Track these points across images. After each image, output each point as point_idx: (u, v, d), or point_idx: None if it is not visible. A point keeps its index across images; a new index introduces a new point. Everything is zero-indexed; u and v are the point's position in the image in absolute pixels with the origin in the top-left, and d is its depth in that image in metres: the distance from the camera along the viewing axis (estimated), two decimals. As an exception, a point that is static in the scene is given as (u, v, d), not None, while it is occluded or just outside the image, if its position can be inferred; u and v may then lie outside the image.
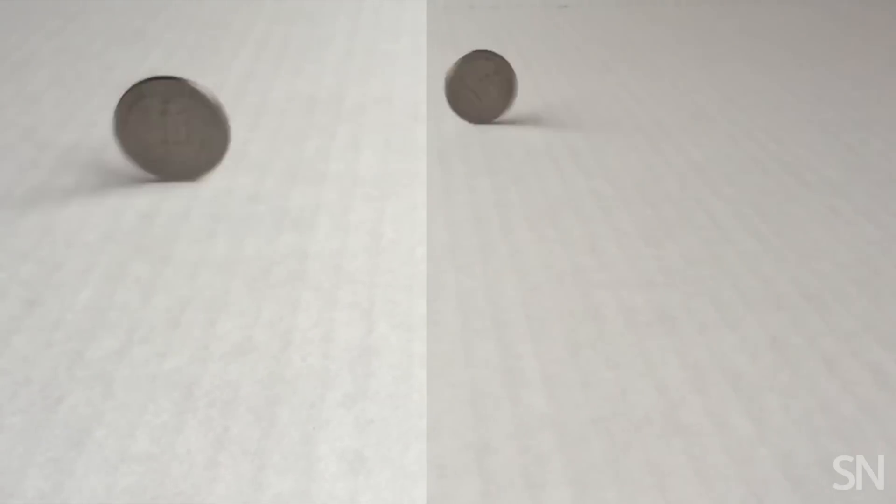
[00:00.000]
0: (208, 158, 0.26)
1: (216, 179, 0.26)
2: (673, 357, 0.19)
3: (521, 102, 0.32)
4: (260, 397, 0.18)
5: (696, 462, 0.16)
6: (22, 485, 0.16)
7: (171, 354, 0.19)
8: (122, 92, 0.25)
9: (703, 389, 0.18)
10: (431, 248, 0.23)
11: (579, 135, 0.30)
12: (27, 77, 0.33)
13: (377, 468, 0.16)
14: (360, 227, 0.24)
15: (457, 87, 0.30)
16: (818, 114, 0.32)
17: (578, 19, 0.44)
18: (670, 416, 0.17)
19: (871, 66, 0.37)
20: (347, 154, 0.28)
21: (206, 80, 0.33)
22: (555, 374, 0.18)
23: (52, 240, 0.23)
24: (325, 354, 0.19)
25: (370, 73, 0.34)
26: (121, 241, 0.23)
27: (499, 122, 0.31)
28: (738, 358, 0.19)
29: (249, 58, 0.35)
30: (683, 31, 0.43)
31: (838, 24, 0.44)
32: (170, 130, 0.25)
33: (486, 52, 0.30)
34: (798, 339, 0.20)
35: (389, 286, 0.21)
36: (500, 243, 0.23)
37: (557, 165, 0.28)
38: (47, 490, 0.16)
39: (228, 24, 0.39)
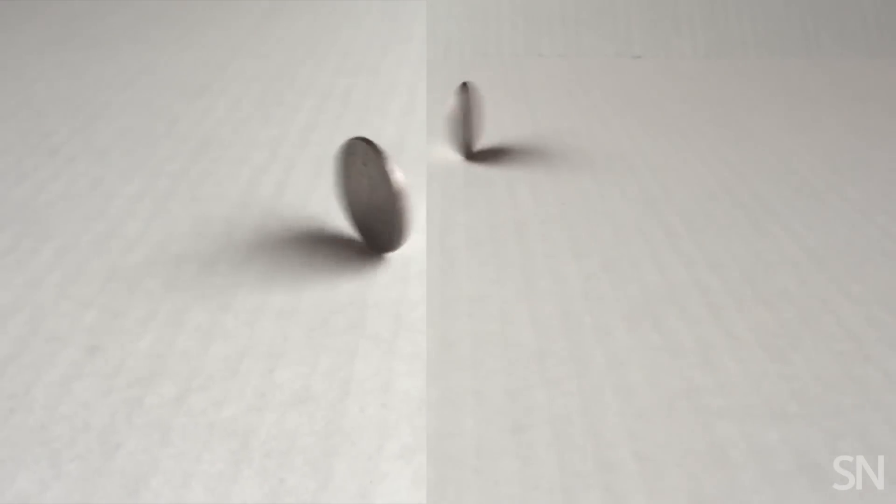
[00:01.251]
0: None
1: (277, 226, 0.26)
2: (831, 529, 0.16)
3: (604, 168, 0.30)
4: (316, 448, 0.17)
5: None
6: (77, 533, 0.15)
7: (229, 403, 0.19)
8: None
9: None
10: (513, 351, 0.20)
11: (674, 212, 0.27)
12: (98, 129, 0.33)
13: (435, 523, 0.16)
14: (420, 277, 0.24)
15: (457, 121, 0.30)
16: (946, 192, 0.28)
17: (653, 71, 0.42)
18: None
19: None
20: (408, 204, 0.28)
21: (270, 132, 0.33)
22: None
23: (116, 287, 0.23)
24: (384, 405, 0.19)
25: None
26: (182, 288, 0.23)
27: (580, 190, 0.29)
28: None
29: (313, 109, 0.36)
30: (771, 88, 0.39)
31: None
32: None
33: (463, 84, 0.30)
34: None
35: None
36: (596, 349, 0.20)
37: (653, 249, 0.25)
38: (102, 539, 0.15)
39: (292, 78, 0.39)
